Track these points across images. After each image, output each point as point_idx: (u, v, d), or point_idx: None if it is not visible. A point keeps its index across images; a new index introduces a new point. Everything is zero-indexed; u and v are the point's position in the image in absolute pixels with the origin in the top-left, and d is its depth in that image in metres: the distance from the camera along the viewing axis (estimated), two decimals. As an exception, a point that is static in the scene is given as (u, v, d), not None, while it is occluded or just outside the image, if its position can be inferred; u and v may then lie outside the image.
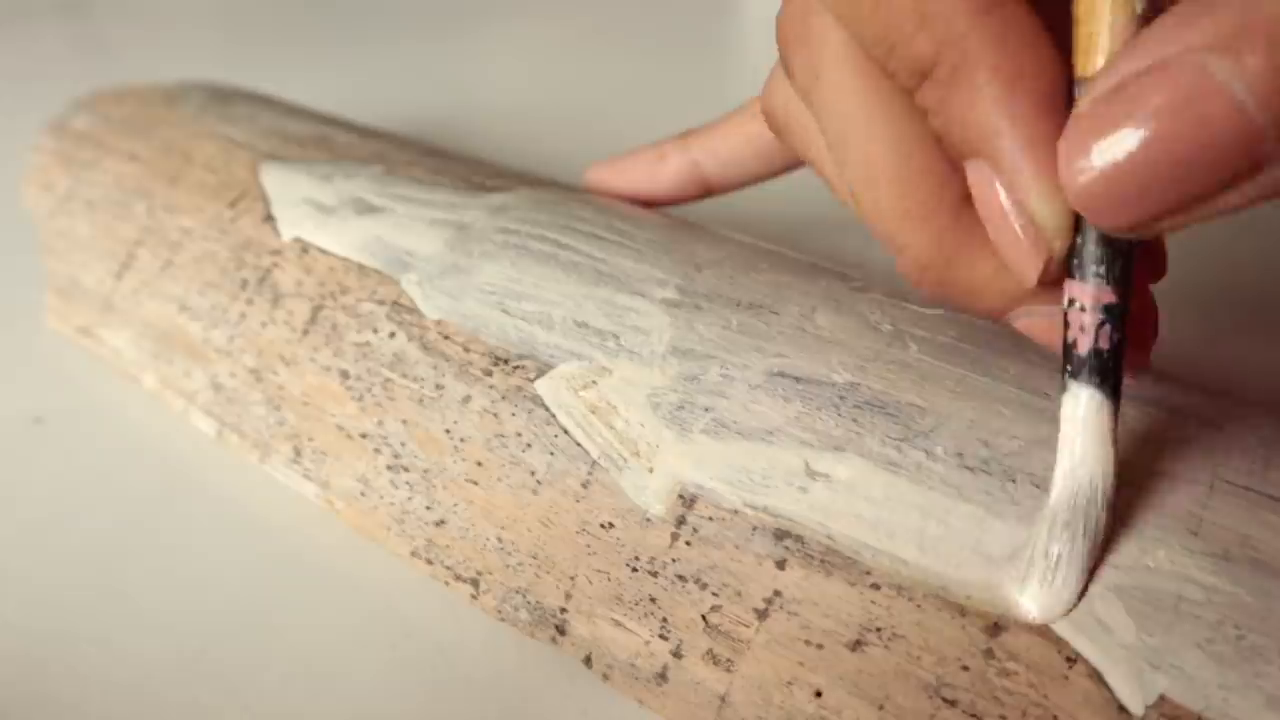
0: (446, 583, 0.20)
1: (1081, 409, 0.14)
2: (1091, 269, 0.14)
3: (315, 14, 0.62)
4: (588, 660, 0.19)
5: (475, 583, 0.20)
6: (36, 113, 0.33)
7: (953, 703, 0.15)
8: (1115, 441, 0.14)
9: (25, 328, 0.30)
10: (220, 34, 0.62)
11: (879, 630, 0.16)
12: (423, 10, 0.60)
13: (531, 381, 0.20)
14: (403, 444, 0.21)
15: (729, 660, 0.17)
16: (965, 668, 0.15)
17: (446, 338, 0.21)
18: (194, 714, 0.19)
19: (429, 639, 0.20)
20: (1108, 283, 0.14)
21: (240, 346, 0.24)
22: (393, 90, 0.48)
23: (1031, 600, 0.15)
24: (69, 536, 0.23)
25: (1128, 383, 0.15)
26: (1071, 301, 0.14)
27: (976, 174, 0.14)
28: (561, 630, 0.19)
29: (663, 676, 0.18)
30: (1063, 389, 0.15)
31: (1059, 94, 0.13)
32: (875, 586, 0.16)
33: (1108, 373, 0.14)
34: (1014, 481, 0.16)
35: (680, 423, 0.18)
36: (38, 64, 0.56)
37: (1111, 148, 0.11)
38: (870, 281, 0.21)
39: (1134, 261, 0.14)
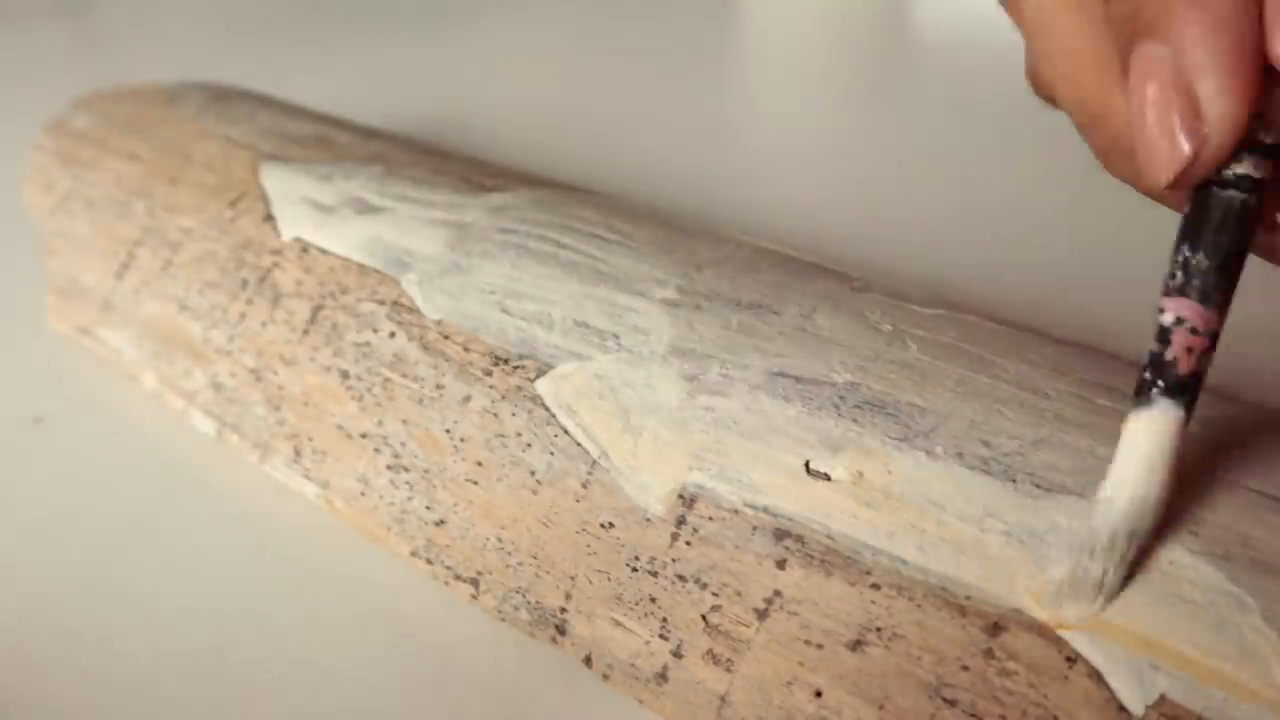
0: (446, 583, 0.20)
1: (1167, 426, 0.14)
2: (1209, 289, 0.14)
3: (315, 14, 0.62)
4: (588, 660, 0.19)
5: (475, 583, 0.20)
6: (36, 113, 0.33)
7: (953, 703, 0.15)
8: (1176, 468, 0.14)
9: (25, 328, 0.30)
10: (220, 34, 0.62)
11: (879, 630, 0.16)
12: (423, 9, 0.60)
13: (531, 381, 0.20)
14: (403, 444, 0.21)
15: (729, 660, 0.17)
16: (965, 668, 0.15)
17: (446, 338, 0.21)
18: (194, 714, 0.19)
19: (429, 639, 0.20)
20: (1219, 307, 0.14)
21: (240, 346, 0.24)
22: (393, 90, 0.48)
23: (1053, 606, 0.15)
24: (69, 536, 0.23)
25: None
26: (1180, 320, 0.14)
27: (1142, 59, 0.13)
28: (561, 630, 0.19)
29: (663, 676, 0.18)
30: (1143, 400, 0.14)
31: None
32: (875, 586, 0.16)
33: (1195, 398, 0.14)
34: (1014, 481, 0.16)
35: (680, 423, 0.18)
36: (38, 64, 0.56)
37: None
38: (870, 281, 0.21)
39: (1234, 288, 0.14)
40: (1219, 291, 0.14)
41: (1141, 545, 0.14)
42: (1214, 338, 0.14)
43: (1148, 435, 0.14)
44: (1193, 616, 0.14)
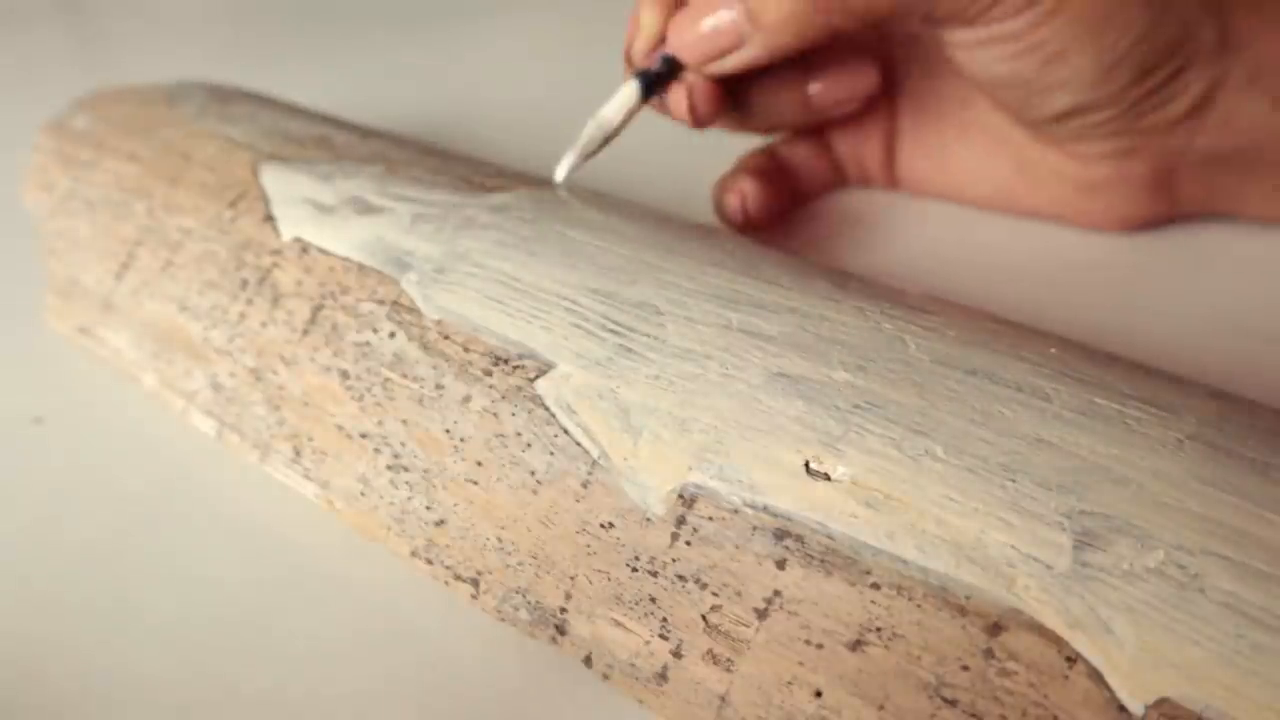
0: (446, 583, 0.20)
1: (632, 90, 0.27)
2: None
3: (315, 14, 0.62)
4: (588, 660, 0.19)
5: (475, 583, 0.20)
6: (36, 113, 0.33)
7: (953, 703, 0.15)
8: (630, 116, 0.27)
9: (25, 328, 0.30)
10: (220, 34, 0.62)
11: (879, 630, 0.16)
12: (422, 10, 0.60)
13: (531, 381, 0.20)
14: (403, 444, 0.21)
15: (729, 660, 0.17)
16: (965, 668, 0.15)
17: (446, 337, 0.21)
18: (194, 714, 0.19)
19: (429, 639, 0.20)
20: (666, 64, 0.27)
21: (240, 346, 0.24)
22: (393, 90, 0.48)
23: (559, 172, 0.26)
24: (69, 536, 0.23)
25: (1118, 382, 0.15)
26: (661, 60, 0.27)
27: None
28: (561, 630, 0.19)
29: (663, 676, 0.18)
30: (632, 77, 0.27)
31: None
32: (875, 586, 0.16)
33: (651, 87, 0.27)
34: (1014, 481, 0.16)
35: (680, 423, 0.18)
36: (38, 64, 0.56)
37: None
38: (870, 281, 0.21)
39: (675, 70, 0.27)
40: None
41: (597, 149, 0.27)
42: (668, 65, 0.27)
43: (625, 90, 0.27)
44: (1194, 617, 0.14)
